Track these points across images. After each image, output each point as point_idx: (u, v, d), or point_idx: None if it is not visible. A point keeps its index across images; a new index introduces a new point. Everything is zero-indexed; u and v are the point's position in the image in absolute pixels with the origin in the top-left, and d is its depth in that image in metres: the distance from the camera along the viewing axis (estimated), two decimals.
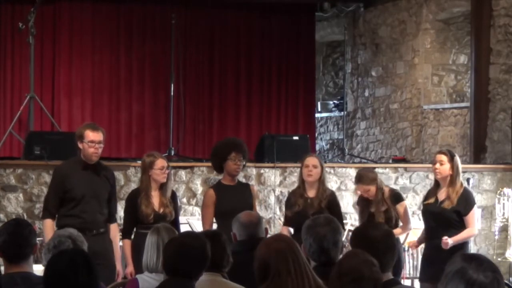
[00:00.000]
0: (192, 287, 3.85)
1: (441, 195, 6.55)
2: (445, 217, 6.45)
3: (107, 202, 6.33)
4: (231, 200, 6.57)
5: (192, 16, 12.32)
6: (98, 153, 6.21)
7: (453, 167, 6.49)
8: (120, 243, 6.58)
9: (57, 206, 6.17)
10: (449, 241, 6.31)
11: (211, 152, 7.08)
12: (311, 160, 6.76)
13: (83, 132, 6.15)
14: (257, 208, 7.71)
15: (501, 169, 9.63)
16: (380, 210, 6.74)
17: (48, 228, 6.09)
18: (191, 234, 4.31)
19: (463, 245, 6.46)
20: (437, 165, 6.53)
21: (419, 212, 7.73)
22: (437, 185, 6.64)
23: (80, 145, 6.16)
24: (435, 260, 6.36)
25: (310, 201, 6.65)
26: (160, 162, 6.44)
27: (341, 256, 3.86)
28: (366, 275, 3.37)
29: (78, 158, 6.24)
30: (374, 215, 6.77)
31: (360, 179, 6.92)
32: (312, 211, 6.44)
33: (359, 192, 7.00)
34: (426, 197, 6.82)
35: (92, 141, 6.13)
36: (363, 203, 6.95)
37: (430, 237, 6.56)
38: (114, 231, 6.42)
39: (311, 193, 6.71)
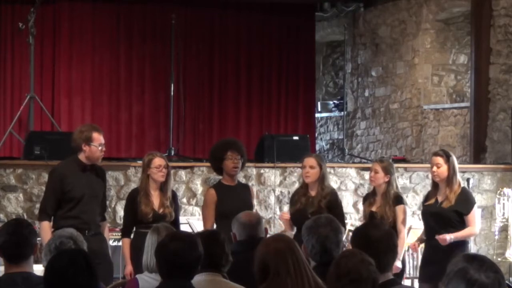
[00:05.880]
0: (190, 286, 3.83)
1: (440, 195, 6.55)
2: (444, 217, 6.45)
3: (101, 201, 6.37)
4: (232, 200, 6.56)
5: (192, 16, 12.30)
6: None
7: (450, 167, 6.50)
8: (120, 243, 6.60)
9: (54, 208, 6.14)
10: (447, 237, 6.30)
11: (208, 155, 7.08)
12: (308, 161, 6.76)
13: (91, 135, 6.11)
14: (257, 208, 7.71)
15: (501, 169, 9.62)
16: (389, 202, 6.70)
17: (45, 230, 6.05)
18: (177, 236, 3.92)
19: (463, 245, 6.45)
20: (434, 168, 6.53)
21: (419, 212, 7.71)
22: (435, 186, 6.64)
23: (85, 148, 6.11)
24: (434, 260, 6.36)
25: (311, 200, 6.66)
26: (158, 161, 6.43)
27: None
28: (364, 276, 3.37)
29: (75, 158, 6.19)
30: (375, 214, 6.74)
31: (383, 159, 6.86)
32: (312, 210, 6.45)
33: (372, 174, 6.85)
34: (425, 199, 6.81)
35: (101, 144, 6.14)
36: (368, 201, 6.90)
37: (430, 237, 6.55)
38: (106, 228, 6.49)
39: (313, 192, 6.72)
